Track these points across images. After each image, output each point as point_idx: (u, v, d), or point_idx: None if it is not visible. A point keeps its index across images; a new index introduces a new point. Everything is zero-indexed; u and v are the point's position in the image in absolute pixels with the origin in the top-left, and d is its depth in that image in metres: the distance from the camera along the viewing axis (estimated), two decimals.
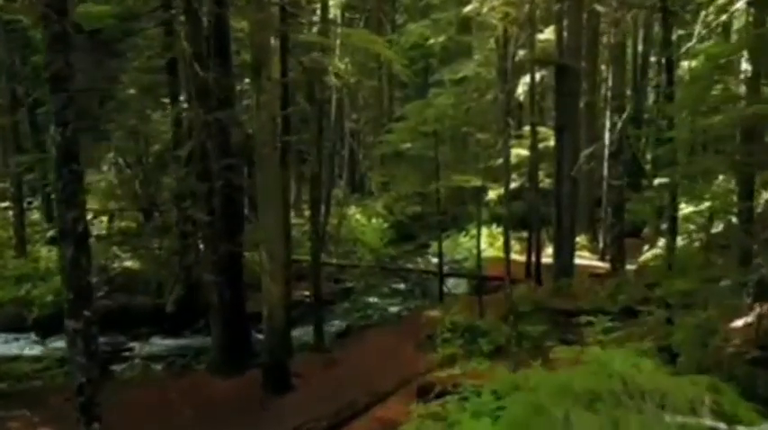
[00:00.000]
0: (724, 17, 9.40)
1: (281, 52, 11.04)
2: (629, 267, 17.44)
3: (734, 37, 17.41)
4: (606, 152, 19.08)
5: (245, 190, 13.57)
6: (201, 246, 11.47)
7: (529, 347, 11.66)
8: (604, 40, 22.48)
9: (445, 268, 19.65)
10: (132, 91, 17.75)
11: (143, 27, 11.71)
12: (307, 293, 14.93)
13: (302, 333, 13.86)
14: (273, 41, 10.66)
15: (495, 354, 11.39)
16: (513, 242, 17.39)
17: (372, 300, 17.66)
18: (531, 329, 11.78)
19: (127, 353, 13.48)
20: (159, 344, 14.24)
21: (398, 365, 11.38)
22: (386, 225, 24.70)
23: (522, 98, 21.78)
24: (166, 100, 16.06)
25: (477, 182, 14.11)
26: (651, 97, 28.56)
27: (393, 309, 16.87)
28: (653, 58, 29.63)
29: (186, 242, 11.86)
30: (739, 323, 9.36)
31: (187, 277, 11.82)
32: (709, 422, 2.66)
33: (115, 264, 15.53)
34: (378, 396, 9.49)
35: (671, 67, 7.71)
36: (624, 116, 12.49)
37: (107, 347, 13.80)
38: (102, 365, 13.11)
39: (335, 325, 14.87)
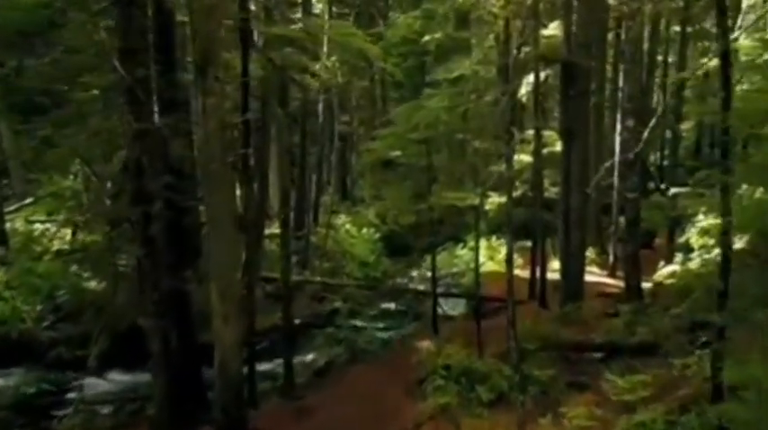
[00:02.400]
0: None
1: (242, 47, 9.32)
2: (644, 284, 15.66)
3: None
4: (617, 158, 17.37)
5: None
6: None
7: (536, 393, 9.97)
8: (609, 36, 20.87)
9: (441, 287, 17.90)
10: (96, 91, 15.99)
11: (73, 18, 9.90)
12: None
13: (273, 367, 12.13)
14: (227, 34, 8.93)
15: (496, 404, 9.67)
16: (514, 256, 15.72)
17: (360, 323, 15.88)
18: (539, 373, 10.04)
19: (72, 395, 11.70)
20: (114, 380, 12.50)
21: (383, 416, 9.68)
22: (378, 235, 22.91)
23: (524, 99, 20.00)
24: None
25: (474, 200, 12.34)
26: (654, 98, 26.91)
27: (382, 335, 15.11)
28: (659, 57, 28.02)
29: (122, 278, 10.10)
30: None
31: (117, 322, 10.06)
32: None
33: (62, 292, 13.65)
34: None
35: (727, 65, 5.95)
36: (652, 123, 10.74)
37: (51, 387, 12.13)
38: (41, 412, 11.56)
39: (315, 357, 13.08)
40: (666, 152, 27.65)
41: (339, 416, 9.86)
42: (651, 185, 22.50)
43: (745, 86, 10.94)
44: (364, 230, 23.10)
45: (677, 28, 27.84)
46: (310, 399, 10.58)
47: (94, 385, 12.13)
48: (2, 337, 12.92)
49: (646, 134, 9.41)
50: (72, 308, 13.31)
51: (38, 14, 9.11)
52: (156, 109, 8.53)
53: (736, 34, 8.67)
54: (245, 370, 9.70)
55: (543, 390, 9.96)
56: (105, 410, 11.18)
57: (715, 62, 12.25)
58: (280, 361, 11.71)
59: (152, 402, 10.82)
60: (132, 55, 8.18)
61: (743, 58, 18.11)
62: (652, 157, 26.50)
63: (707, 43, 30.56)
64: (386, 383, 10.79)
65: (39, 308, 13.36)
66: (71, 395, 11.73)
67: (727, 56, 6.00)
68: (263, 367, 12.32)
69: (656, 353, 10.95)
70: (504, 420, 8.95)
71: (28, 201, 20.70)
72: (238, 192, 10.24)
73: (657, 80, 27.57)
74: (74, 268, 15.45)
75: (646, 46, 24.84)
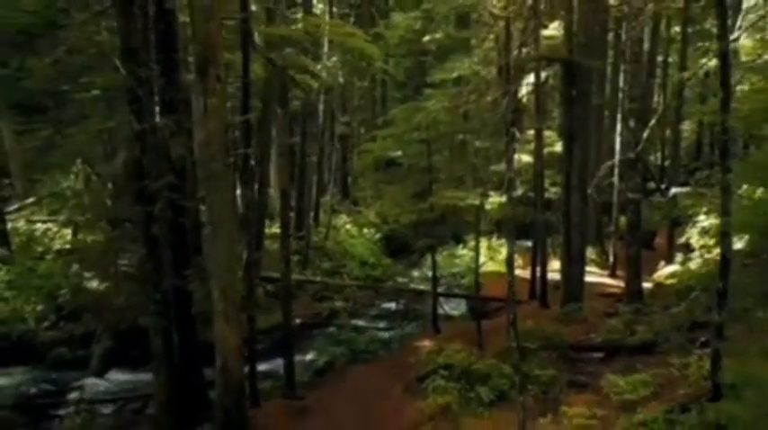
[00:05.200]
0: None
1: (243, 47, 9.34)
2: (645, 284, 15.63)
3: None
4: (617, 158, 17.35)
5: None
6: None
7: (536, 392, 9.96)
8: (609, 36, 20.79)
9: (442, 287, 17.90)
10: (96, 91, 15.96)
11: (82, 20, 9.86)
12: None
13: (274, 367, 12.11)
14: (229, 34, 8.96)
15: (496, 403, 9.66)
16: (515, 256, 15.69)
17: (360, 323, 15.92)
18: (540, 372, 10.05)
19: (73, 395, 11.69)
20: (114, 380, 12.50)
21: (382, 416, 9.70)
22: (378, 235, 22.93)
23: (524, 100, 20.00)
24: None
25: (474, 200, 12.34)
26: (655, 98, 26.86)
27: (383, 335, 15.11)
28: (659, 57, 27.95)
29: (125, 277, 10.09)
30: None
31: (119, 322, 10.04)
32: None
33: (63, 291, 13.63)
34: None
35: (726, 66, 5.92)
36: (652, 122, 10.72)
37: (52, 387, 12.13)
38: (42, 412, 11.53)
39: (315, 357, 13.07)
40: (667, 152, 27.65)
41: (339, 416, 9.88)
42: (651, 185, 22.48)
43: (746, 86, 10.93)
44: (365, 230, 23.13)
45: (677, 28, 27.85)
46: (311, 399, 10.59)
47: (95, 385, 12.17)
48: (3, 337, 12.93)
49: (646, 133, 9.37)
50: (73, 307, 13.29)
51: (40, 14, 9.12)
52: (157, 109, 8.53)
53: (736, 34, 8.61)
54: (247, 369, 9.73)
55: (544, 390, 9.96)
56: (106, 410, 11.16)
57: (714, 62, 12.30)
58: (280, 360, 11.71)
59: (153, 402, 10.88)
60: (133, 55, 8.20)
61: (744, 58, 18.07)
62: (651, 157, 26.48)
63: (707, 43, 30.65)
64: (386, 383, 10.80)
65: (39, 307, 13.35)
66: (72, 395, 11.73)
67: (726, 57, 5.98)
68: (264, 367, 12.33)
69: (655, 351, 10.95)
70: (505, 420, 8.94)
71: (29, 201, 20.72)
72: (239, 191, 10.29)
73: (658, 80, 27.52)
74: (75, 268, 15.46)
75: (646, 46, 24.84)
